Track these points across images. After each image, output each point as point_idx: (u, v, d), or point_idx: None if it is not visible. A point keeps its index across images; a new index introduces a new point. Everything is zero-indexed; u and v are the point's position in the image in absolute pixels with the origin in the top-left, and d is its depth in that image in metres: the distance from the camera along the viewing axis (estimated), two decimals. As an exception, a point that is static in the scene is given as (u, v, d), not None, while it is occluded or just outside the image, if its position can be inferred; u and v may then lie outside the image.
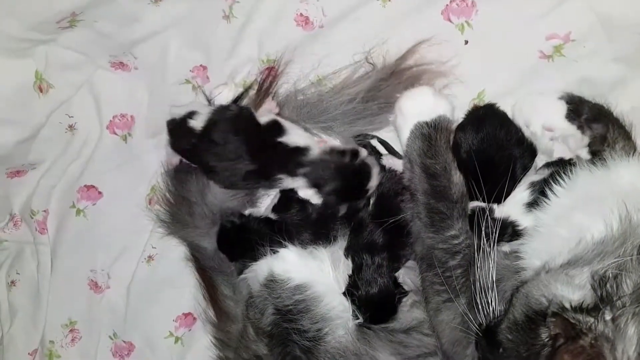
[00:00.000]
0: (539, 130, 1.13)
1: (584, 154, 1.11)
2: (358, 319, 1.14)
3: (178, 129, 1.23)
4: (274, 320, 1.18)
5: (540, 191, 1.06)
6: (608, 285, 0.77)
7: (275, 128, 1.20)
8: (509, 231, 1.06)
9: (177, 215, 1.34)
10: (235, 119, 1.20)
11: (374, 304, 1.13)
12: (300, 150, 1.19)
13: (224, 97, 1.30)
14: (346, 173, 1.19)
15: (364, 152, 1.22)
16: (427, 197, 1.06)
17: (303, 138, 1.21)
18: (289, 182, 1.21)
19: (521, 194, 1.10)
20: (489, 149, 1.13)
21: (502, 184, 1.09)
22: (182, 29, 1.32)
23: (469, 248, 1.03)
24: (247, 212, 1.30)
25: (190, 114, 1.22)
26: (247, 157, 1.17)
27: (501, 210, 1.08)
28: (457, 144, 1.14)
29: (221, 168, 1.20)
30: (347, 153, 1.20)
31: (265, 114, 1.24)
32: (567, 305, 0.77)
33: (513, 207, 1.08)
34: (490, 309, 0.90)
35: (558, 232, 0.92)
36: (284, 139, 1.19)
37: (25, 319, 1.57)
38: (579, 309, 0.76)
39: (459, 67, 1.22)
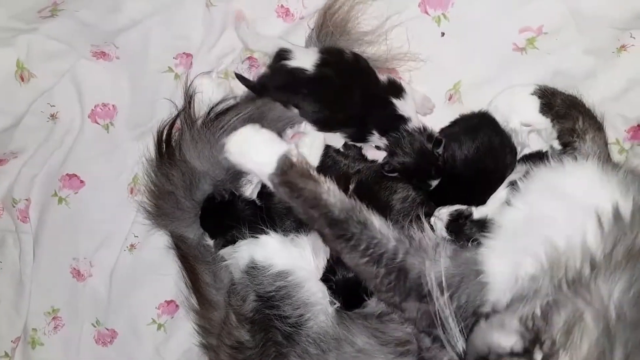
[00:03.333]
0: (518, 126, 1.16)
1: (556, 144, 1.13)
2: (335, 304, 1.16)
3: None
4: (255, 306, 1.19)
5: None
6: (536, 325, 0.78)
7: (395, 88, 1.18)
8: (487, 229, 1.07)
9: (163, 208, 1.34)
10: (353, 62, 1.18)
11: (350, 289, 1.13)
12: (404, 119, 1.18)
13: (206, 87, 1.31)
14: (424, 157, 1.17)
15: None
16: (322, 228, 1.04)
17: (411, 108, 1.20)
18: (375, 140, 1.20)
19: (500, 192, 1.11)
20: (485, 158, 1.14)
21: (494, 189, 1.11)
22: (163, 17, 1.32)
23: (391, 252, 1.00)
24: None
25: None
26: (356, 101, 1.15)
27: (480, 211, 1.10)
28: (452, 155, 1.15)
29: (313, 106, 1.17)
30: (432, 139, 1.18)
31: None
32: (502, 352, 0.78)
33: (492, 205, 1.10)
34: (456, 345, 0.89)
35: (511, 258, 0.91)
36: (396, 102, 1.17)
37: (8, 307, 1.57)
38: (513, 354, 0.77)
39: (436, 58, 1.24)
